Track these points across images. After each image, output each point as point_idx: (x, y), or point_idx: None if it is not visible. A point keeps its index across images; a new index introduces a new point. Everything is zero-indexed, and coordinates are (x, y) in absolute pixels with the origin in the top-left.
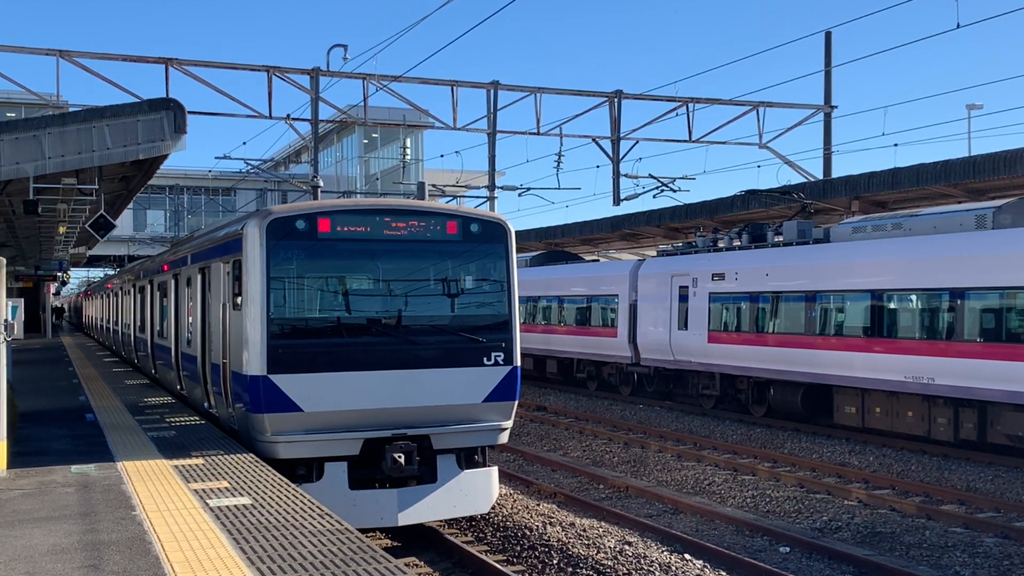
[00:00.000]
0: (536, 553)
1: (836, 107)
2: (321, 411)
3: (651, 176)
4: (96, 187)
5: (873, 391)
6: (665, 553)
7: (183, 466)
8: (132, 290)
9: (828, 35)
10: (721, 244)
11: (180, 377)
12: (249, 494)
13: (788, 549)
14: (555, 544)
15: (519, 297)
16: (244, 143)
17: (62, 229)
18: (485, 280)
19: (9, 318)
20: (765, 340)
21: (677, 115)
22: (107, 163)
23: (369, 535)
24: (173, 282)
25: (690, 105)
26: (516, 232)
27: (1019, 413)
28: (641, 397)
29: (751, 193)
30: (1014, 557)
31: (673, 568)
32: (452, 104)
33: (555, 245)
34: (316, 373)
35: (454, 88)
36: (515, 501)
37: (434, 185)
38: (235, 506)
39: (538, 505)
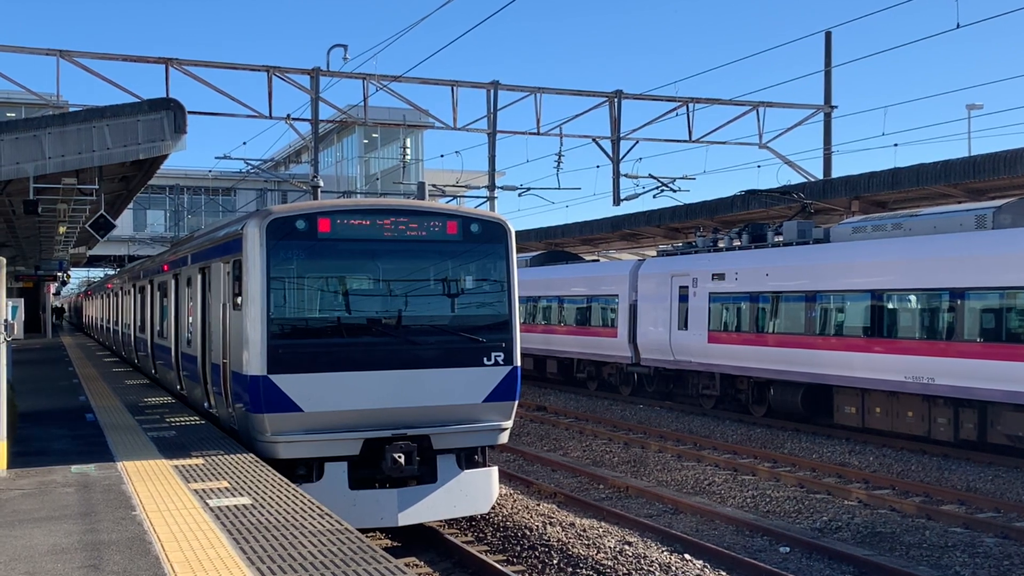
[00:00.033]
0: (536, 553)
1: (836, 107)
2: (321, 411)
3: (651, 176)
4: (96, 187)
5: (873, 391)
6: (665, 553)
7: (183, 466)
8: (132, 290)
9: (828, 35)
10: (721, 244)
11: (180, 377)
12: (249, 494)
13: (788, 549)
14: (555, 544)
15: (519, 297)
16: (244, 143)
17: (62, 229)
18: (485, 280)
19: (9, 318)
20: (765, 340)
21: (677, 115)
22: (107, 163)
23: (369, 535)
24: (173, 282)
25: (690, 105)
26: (516, 232)
27: (1019, 413)
28: (641, 397)
29: (751, 193)
30: (1014, 557)
31: (673, 568)
32: (452, 104)
33: (555, 245)
34: (316, 373)
35: (454, 88)
36: (515, 501)
37: (434, 185)
38: (235, 506)
39: (538, 505)
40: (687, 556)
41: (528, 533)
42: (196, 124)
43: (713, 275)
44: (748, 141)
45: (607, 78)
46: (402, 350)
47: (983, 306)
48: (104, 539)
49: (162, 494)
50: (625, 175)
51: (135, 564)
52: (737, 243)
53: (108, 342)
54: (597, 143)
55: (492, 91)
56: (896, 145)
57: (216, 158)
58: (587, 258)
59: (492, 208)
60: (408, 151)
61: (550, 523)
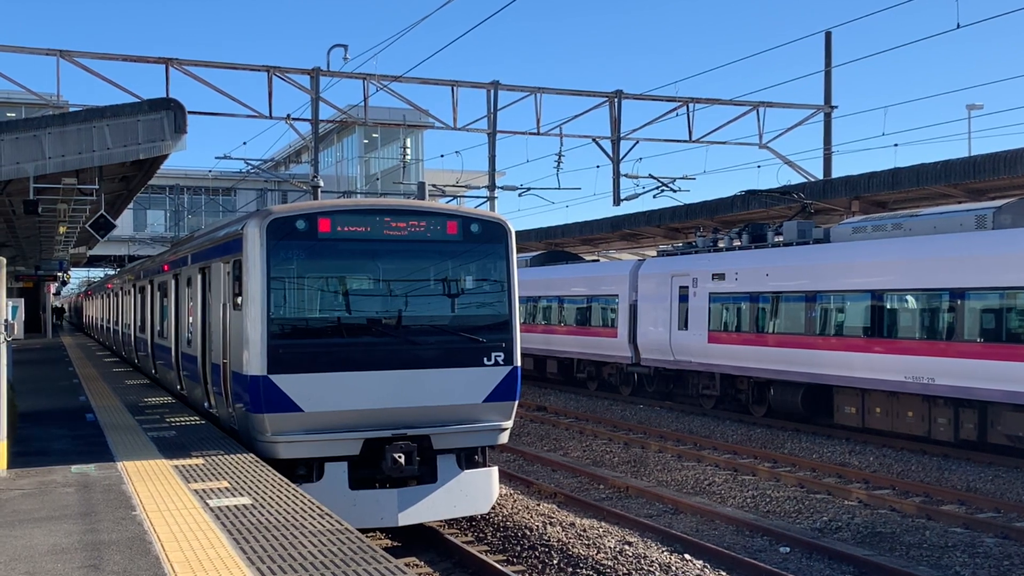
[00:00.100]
0: (536, 553)
1: (836, 107)
2: (321, 411)
3: (651, 176)
4: (96, 187)
5: (873, 391)
6: (665, 553)
7: (183, 466)
8: (132, 290)
9: (828, 35)
10: (721, 244)
11: (180, 377)
12: (249, 494)
13: (788, 549)
14: (555, 544)
15: (519, 297)
16: (244, 143)
17: (62, 229)
18: (485, 280)
19: (9, 318)
20: (765, 340)
21: (677, 115)
22: (107, 163)
23: (369, 535)
24: (173, 282)
25: (690, 105)
26: (516, 232)
27: (1019, 413)
28: (641, 397)
29: (751, 193)
30: (1014, 557)
31: (673, 568)
32: (452, 104)
33: (555, 245)
34: (316, 373)
35: (454, 88)
36: (515, 501)
37: (434, 185)
38: (235, 506)
39: (538, 505)
40: (687, 556)
41: (528, 533)
42: (196, 124)
43: (713, 275)
44: (748, 141)
45: (607, 78)
46: (402, 350)
47: (983, 306)
48: (104, 539)
49: (162, 494)
50: (625, 175)
51: (135, 564)
52: (737, 243)
53: (108, 342)
54: (597, 143)
55: (492, 91)
56: (896, 145)
57: (216, 158)
58: (587, 258)
59: (492, 208)
60: (408, 151)
61: (550, 523)
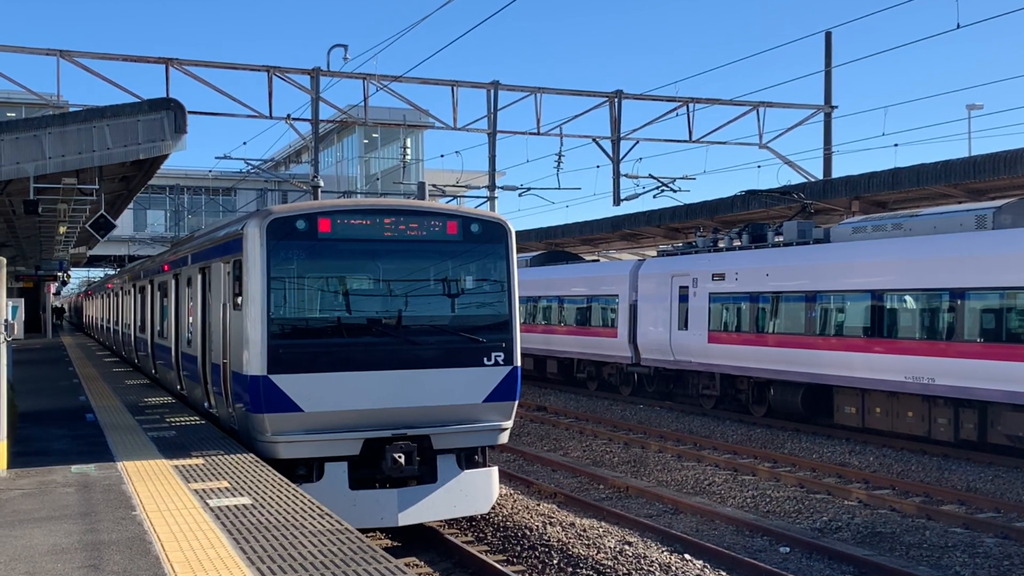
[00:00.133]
0: (536, 553)
1: (836, 107)
2: (321, 411)
3: (651, 176)
4: (96, 187)
5: (873, 391)
6: (665, 553)
7: (183, 466)
8: (132, 290)
9: (828, 35)
10: (721, 244)
11: (180, 377)
12: (249, 494)
13: (788, 549)
14: (555, 544)
15: (519, 297)
16: (244, 143)
17: (62, 229)
18: (485, 280)
19: (9, 318)
20: (765, 340)
21: (677, 115)
22: (107, 163)
23: (369, 535)
24: (173, 282)
25: (690, 105)
26: (516, 232)
27: (1019, 413)
28: (641, 397)
29: (751, 193)
30: (1014, 557)
31: (673, 568)
32: (452, 104)
33: (555, 245)
34: (316, 373)
35: (454, 88)
36: (515, 501)
37: (434, 185)
38: (235, 506)
39: (538, 505)
40: (687, 556)
41: (528, 533)
42: (196, 124)
43: (713, 275)
44: (748, 141)
45: (607, 78)
46: (402, 350)
47: (983, 306)
48: (104, 539)
49: (162, 494)
50: (625, 175)
51: (135, 564)
52: (737, 243)
53: (108, 342)
54: (597, 143)
55: (492, 91)
56: (896, 145)
57: (216, 158)
58: (587, 258)
59: (492, 208)
60: (408, 151)
61: (550, 523)
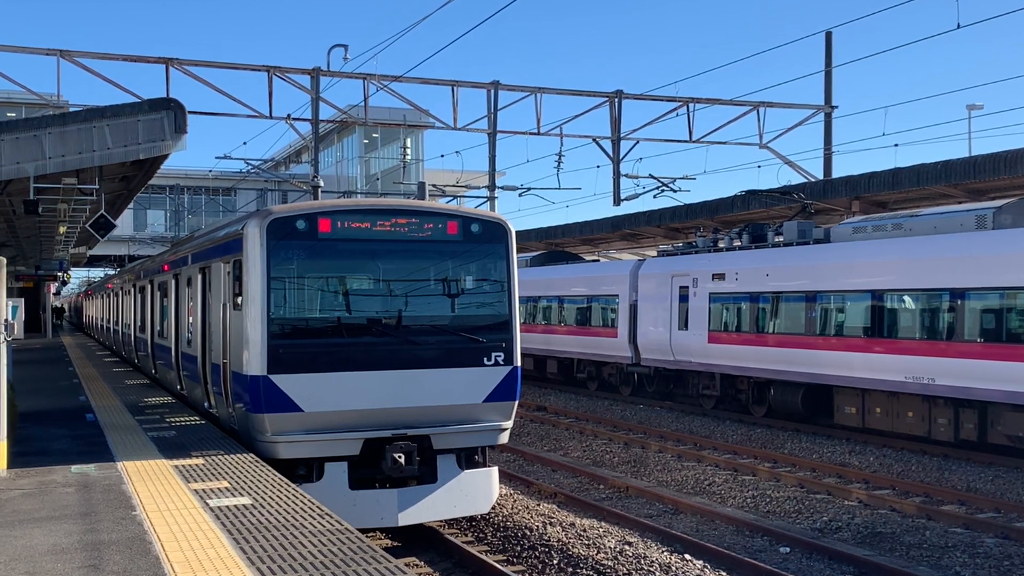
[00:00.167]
0: (536, 553)
1: (836, 107)
2: (321, 411)
3: (651, 176)
4: (96, 187)
5: (873, 391)
6: (665, 553)
7: (183, 466)
8: (132, 290)
9: (828, 35)
10: (721, 244)
11: (180, 377)
12: (249, 494)
13: (788, 549)
14: (555, 544)
15: (519, 297)
16: (244, 143)
17: (62, 229)
18: (485, 280)
19: (9, 318)
20: (765, 340)
21: (677, 115)
22: (107, 163)
23: (369, 535)
24: (173, 282)
25: (690, 105)
26: (516, 232)
27: (1019, 413)
28: (641, 397)
29: (751, 193)
30: (1014, 557)
31: (673, 568)
32: (452, 104)
33: (555, 245)
34: (316, 373)
35: (454, 88)
36: (515, 501)
37: (434, 185)
38: (235, 506)
39: (538, 505)
40: (687, 556)
41: (528, 533)
42: (196, 124)
43: (713, 275)
44: (748, 141)
45: (607, 78)
46: (402, 350)
47: (983, 306)
48: (104, 539)
49: (162, 494)
50: (625, 175)
51: (135, 564)
52: (737, 243)
53: (108, 342)
54: (597, 143)
55: (492, 91)
56: (896, 145)
57: (216, 158)
58: (587, 258)
59: (492, 208)
60: (408, 151)
61: (550, 523)
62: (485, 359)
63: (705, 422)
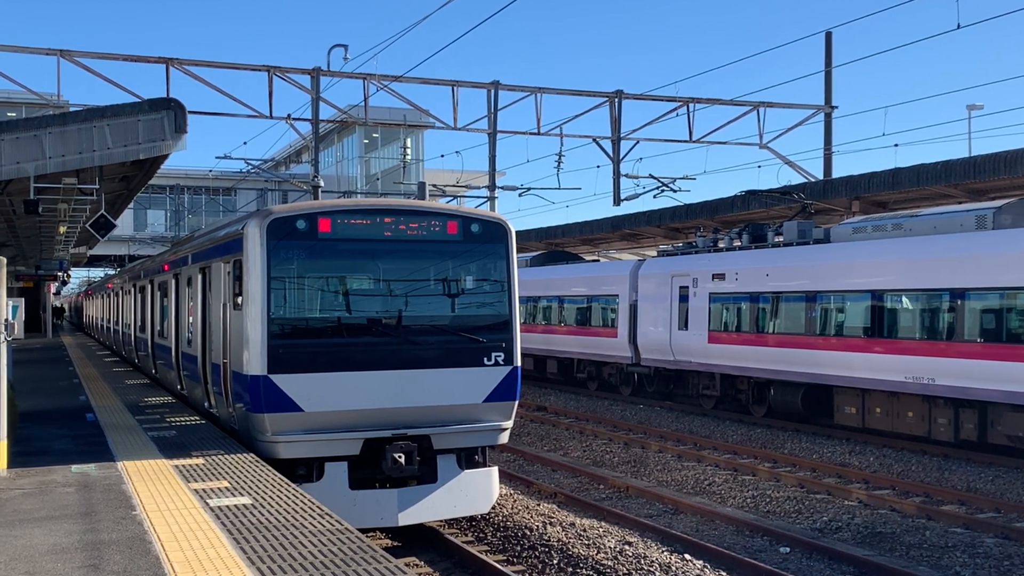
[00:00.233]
0: (536, 553)
1: (836, 107)
2: (321, 411)
3: (651, 176)
4: (97, 187)
5: (873, 391)
6: (665, 553)
7: (183, 466)
8: (132, 290)
9: (828, 35)
10: (721, 244)
11: (180, 377)
12: (249, 494)
13: (788, 549)
14: (555, 544)
15: (519, 297)
16: (245, 143)
17: (63, 229)
18: (485, 280)
19: (9, 318)
20: (765, 340)
21: (677, 115)
22: (108, 163)
23: (369, 535)
24: (173, 282)
25: (690, 105)
26: (516, 232)
27: (1019, 413)
28: (641, 397)
29: (751, 193)
30: (1014, 558)
31: (673, 568)
32: (452, 104)
33: (555, 245)
34: (316, 373)
35: (454, 88)
36: (515, 501)
37: (435, 185)
38: (235, 506)
39: (538, 505)
40: (687, 556)
41: (528, 533)
42: (196, 124)
43: (713, 275)
44: (748, 141)
45: (607, 78)
46: (402, 350)
47: (983, 306)
48: (104, 539)
49: (162, 494)
50: (625, 175)
51: (135, 564)
52: (737, 243)
53: (108, 342)
54: (597, 143)
55: (492, 91)
56: (896, 145)
57: (217, 158)
58: (587, 258)
59: (492, 208)
60: (408, 151)
61: (550, 523)
62: (485, 359)
63: (705, 422)
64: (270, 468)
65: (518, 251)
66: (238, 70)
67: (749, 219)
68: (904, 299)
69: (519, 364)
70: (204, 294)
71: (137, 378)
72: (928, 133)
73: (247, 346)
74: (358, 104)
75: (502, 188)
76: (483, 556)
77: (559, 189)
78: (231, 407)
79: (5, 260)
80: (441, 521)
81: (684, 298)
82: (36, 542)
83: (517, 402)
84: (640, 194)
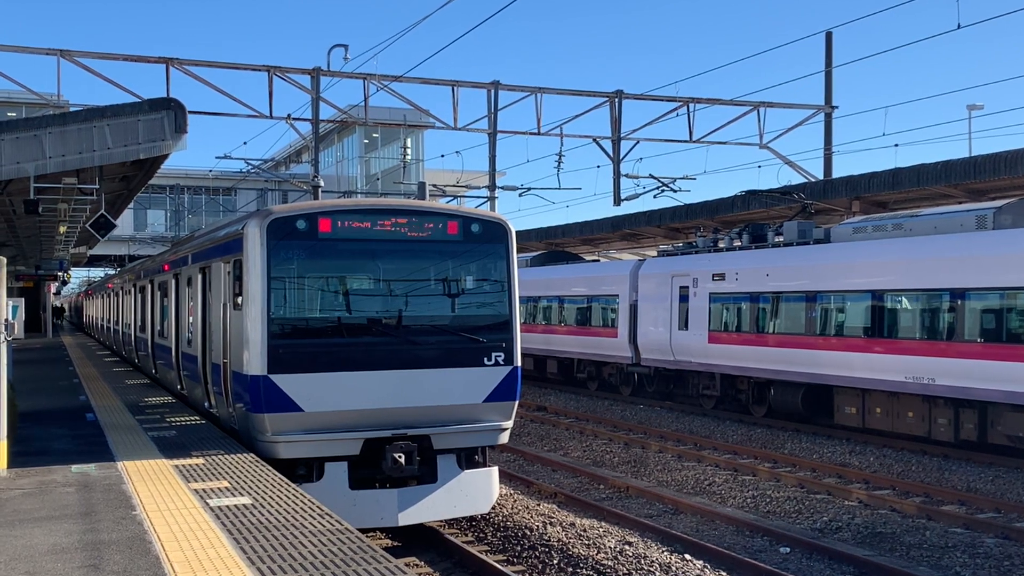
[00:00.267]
0: (536, 553)
1: (837, 107)
2: (321, 411)
3: (652, 176)
4: (97, 187)
5: (873, 391)
6: (665, 553)
7: (183, 466)
8: (133, 290)
9: (829, 35)
10: (721, 244)
11: (180, 377)
12: (249, 494)
13: (788, 549)
14: (555, 544)
15: (519, 297)
16: (245, 143)
17: (63, 229)
18: (486, 280)
19: (9, 318)
20: (765, 340)
21: (677, 115)
22: (108, 163)
23: (369, 535)
24: (174, 282)
25: (690, 105)
26: (517, 232)
27: (1019, 413)
28: (641, 397)
29: (751, 193)
30: (1014, 558)
31: (673, 568)
32: (453, 104)
33: (555, 245)
34: (316, 373)
35: (455, 88)
36: (515, 501)
37: (435, 185)
38: (235, 506)
39: (538, 505)
40: (687, 556)
41: (528, 533)
42: (196, 124)
43: (713, 275)
44: (748, 141)
45: (607, 78)
46: (402, 350)
47: (983, 306)
48: (104, 539)
49: (162, 494)
50: (626, 175)
51: (135, 564)
52: (737, 243)
53: (108, 342)
54: (597, 143)
55: (492, 91)
56: (897, 145)
57: (217, 158)
58: (587, 258)
59: (492, 208)
60: (408, 151)
61: (550, 523)
62: (485, 359)
63: (705, 422)
64: (270, 468)
65: (518, 251)
66: (238, 70)
67: (749, 219)
68: (904, 299)
69: (519, 364)
70: (204, 294)
71: (137, 378)
72: (928, 133)
73: (247, 346)
74: (358, 104)
75: (502, 188)
76: (483, 556)
77: (559, 189)
78: (231, 407)
79: (5, 260)
80: (441, 521)
81: (684, 298)
82: (36, 542)
83: (517, 402)
84: (640, 194)
